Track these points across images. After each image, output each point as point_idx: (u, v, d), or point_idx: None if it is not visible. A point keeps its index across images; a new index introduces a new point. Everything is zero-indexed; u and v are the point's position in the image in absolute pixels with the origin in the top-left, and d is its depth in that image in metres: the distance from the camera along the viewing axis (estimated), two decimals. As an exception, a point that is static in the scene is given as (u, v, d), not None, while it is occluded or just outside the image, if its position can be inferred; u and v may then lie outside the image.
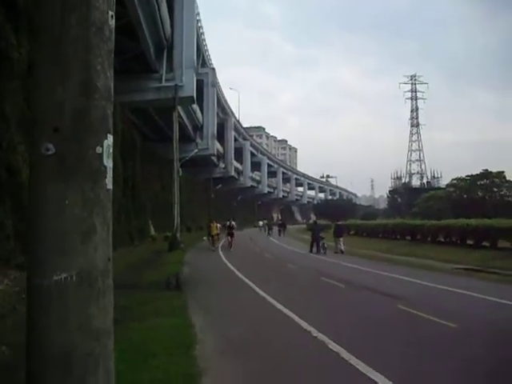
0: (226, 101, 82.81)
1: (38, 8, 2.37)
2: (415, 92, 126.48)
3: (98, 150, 2.27)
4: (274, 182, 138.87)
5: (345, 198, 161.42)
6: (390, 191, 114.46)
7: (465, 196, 62.77)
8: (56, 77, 2.23)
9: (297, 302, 12.55)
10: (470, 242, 28.47)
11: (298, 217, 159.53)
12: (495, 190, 63.62)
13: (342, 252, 30.72)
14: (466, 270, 19.20)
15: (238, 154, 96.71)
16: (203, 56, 58.02)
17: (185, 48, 38.12)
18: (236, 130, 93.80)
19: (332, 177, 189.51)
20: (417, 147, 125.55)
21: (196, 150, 51.14)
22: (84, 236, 2.22)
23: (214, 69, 64.20)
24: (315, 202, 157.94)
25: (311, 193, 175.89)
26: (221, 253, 30.88)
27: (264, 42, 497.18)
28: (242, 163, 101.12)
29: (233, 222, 37.71)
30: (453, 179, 69.64)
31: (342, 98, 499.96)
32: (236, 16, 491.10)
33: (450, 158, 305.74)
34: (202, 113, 60.05)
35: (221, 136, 77.04)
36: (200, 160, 63.55)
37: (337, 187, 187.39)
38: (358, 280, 17.03)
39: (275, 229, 63.72)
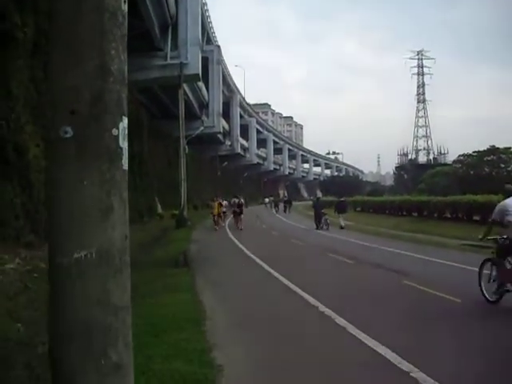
0: (231, 78, 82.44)
1: (52, -7, 2.44)
2: (422, 67, 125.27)
3: (114, 132, 2.35)
4: (280, 159, 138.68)
5: (351, 174, 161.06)
6: (396, 168, 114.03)
7: (471, 172, 62.43)
8: (72, 61, 2.30)
9: (303, 277, 12.65)
10: (476, 218, 28.48)
11: (305, 193, 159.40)
12: (502, 166, 63.22)
13: (342, 228, 31.14)
14: (472, 246, 19.25)
15: (244, 131, 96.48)
16: (208, 33, 57.61)
17: (190, 25, 37.90)
18: (241, 107, 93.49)
19: (338, 153, 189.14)
20: (423, 123, 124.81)
21: (202, 128, 51.04)
22: (102, 215, 2.31)
23: (219, 46, 63.81)
24: (321, 178, 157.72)
25: (317, 169, 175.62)
26: (228, 230, 31.07)
27: (270, 18, 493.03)
28: (247, 140, 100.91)
29: (242, 200, 35.24)
30: (459, 155, 69.25)
31: (349, 73, 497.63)
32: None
33: (457, 134, 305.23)
34: (208, 90, 59.83)
35: (226, 113, 76.78)
36: (206, 137, 63.51)
37: (343, 164, 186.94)
38: (365, 256, 17.12)
39: (281, 205, 64.14)
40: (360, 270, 14.48)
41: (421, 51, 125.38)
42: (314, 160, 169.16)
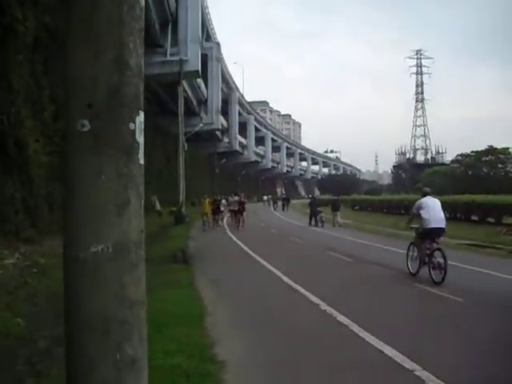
0: (230, 75, 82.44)
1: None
2: (420, 67, 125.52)
3: (131, 126, 2.34)
4: (278, 157, 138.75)
5: (349, 173, 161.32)
6: (394, 166, 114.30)
7: (469, 172, 62.68)
8: (89, 53, 2.28)
9: (303, 275, 12.70)
10: (474, 217, 28.60)
11: (302, 191, 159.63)
12: (500, 166, 63.49)
13: (340, 225, 32.38)
14: (469, 245, 19.32)
15: (242, 129, 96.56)
16: (207, 30, 57.63)
17: (189, 22, 37.92)
18: (240, 104, 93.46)
19: (336, 152, 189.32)
20: (421, 122, 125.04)
21: (201, 125, 51.10)
22: (119, 209, 2.29)
23: (218, 43, 63.76)
24: (319, 176, 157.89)
25: (315, 168, 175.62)
26: (226, 227, 31.09)
27: (270, 15, 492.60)
28: (246, 138, 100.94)
29: (243, 198, 33.02)
30: (457, 155, 69.62)
31: (348, 72, 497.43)
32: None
33: (455, 133, 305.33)
34: (207, 87, 59.81)
35: (225, 110, 76.82)
36: (204, 134, 63.61)
37: (341, 162, 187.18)
38: (363, 254, 17.16)
39: (279, 203, 65.33)
40: (360, 268, 14.52)
41: (419, 50, 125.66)
42: (312, 158, 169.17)
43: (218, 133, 71.34)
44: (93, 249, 2.25)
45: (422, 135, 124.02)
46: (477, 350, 6.53)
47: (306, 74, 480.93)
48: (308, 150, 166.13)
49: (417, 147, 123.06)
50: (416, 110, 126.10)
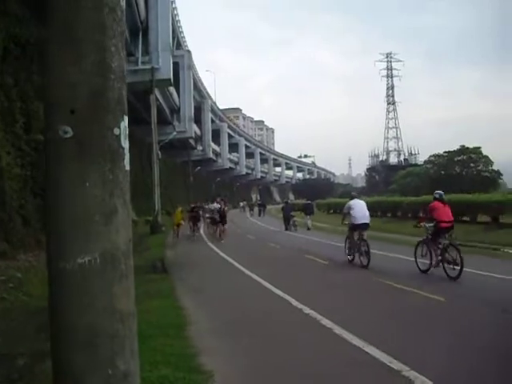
0: (202, 83, 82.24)
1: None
2: (391, 70, 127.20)
3: (116, 131, 2.25)
4: (252, 163, 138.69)
5: (323, 177, 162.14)
6: (367, 169, 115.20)
7: (442, 172, 63.41)
8: (70, 58, 2.19)
9: (282, 280, 12.75)
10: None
11: (277, 197, 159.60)
12: (472, 165, 64.36)
13: (309, 229, 33.12)
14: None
15: (216, 136, 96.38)
16: (178, 38, 57.41)
17: (160, 30, 37.70)
18: (213, 111, 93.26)
19: (310, 156, 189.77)
20: (393, 125, 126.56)
21: (175, 133, 50.85)
22: (106, 218, 2.20)
23: (189, 51, 63.54)
24: (293, 181, 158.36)
25: (289, 173, 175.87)
26: (203, 235, 30.86)
27: (241, 23, 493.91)
28: (219, 145, 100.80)
29: (224, 206, 28.88)
30: (430, 156, 70.34)
31: (321, 77, 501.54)
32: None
33: (427, 134, 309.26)
34: (179, 95, 59.59)
35: (198, 118, 76.55)
36: (178, 143, 63.32)
37: (315, 166, 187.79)
38: (339, 256, 17.21)
39: (256, 209, 65.78)
40: (335, 269, 14.59)
41: (390, 54, 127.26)
42: (286, 163, 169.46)
43: (191, 141, 71.08)
44: (80, 260, 2.15)
45: (394, 137, 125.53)
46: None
47: (279, 80, 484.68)
48: (282, 156, 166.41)
49: (390, 149, 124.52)
50: (388, 112, 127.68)
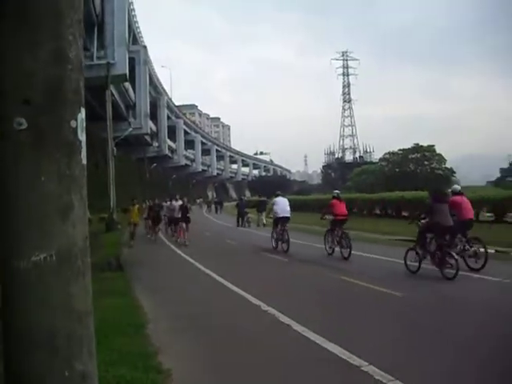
0: (158, 79, 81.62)
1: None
2: (347, 68, 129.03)
3: (73, 123, 2.15)
4: (208, 160, 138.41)
5: (279, 174, 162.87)
6: (323, 166, 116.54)
7: (397, 170, 64.55)
8: (24, 46, 2.08)
9: (239, 275, 12.91)
10: (405, 213, 29.35)
11: (233, 194, 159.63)
12: (426, 163, 65.74)
13: (264, 225, 32.36)
14: (403, 241, 19.78)
15: (172, 133, 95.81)
16: (134, 34, 56.77)
17: (116, 25, 37.23)
18: (169, 108, 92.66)
19: (266, 153, 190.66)
20: (349, 122, 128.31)
21: (130, 129, 50.32)
22: (62, 213, 2.10)
23: (145, 46, 62.98)
24: (250, 178, 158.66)
25: (245, 170, 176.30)
26: (161, 235, 30.47)
27: (197, 19, 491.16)
28: (175, 142, 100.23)
29: (187, 203, 25.31)
30: (385, 153, 71.59)
31: (277, 75, 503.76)
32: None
33: (382, 132, 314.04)
34: (135, 91, 58.95)
35: (154, 115, 75.91)
36: (133, 139, 62.63)
37: (271, 163, 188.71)
38: (299, 253, 17.31)
39: (213, 206, 66.67)
40: (297, 266, 14.67)
41: (345, 52, 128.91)
42: (243, 160, 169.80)
43: (147, 137, 70.45)
44: (34, 258, 2.05)
45: (350, 135, 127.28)
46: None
47: (235, 77, 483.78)
48: (238, 153, 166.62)
49: (345, 147, 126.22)
50: (344, 110, 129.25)
